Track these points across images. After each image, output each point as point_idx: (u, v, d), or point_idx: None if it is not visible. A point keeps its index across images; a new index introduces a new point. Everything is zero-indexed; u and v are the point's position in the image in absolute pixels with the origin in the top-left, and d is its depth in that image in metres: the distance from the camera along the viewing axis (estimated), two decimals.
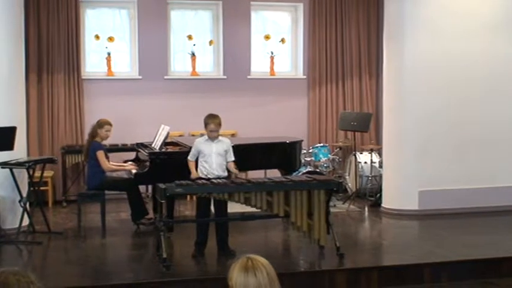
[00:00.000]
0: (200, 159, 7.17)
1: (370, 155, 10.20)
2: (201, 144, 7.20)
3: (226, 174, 7.19)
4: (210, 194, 6.80)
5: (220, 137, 7.22)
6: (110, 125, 8.36)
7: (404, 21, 9.07)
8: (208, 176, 7.05)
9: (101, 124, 8.33)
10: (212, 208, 7.14)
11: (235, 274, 2.88)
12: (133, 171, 8.15)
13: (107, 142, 8.72)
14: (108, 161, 8.37)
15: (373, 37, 11.38)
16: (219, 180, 6.87)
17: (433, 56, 9.01)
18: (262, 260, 2.95)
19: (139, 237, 8.17)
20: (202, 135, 7.74)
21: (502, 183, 9.32)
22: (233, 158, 7.24)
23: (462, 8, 9.12)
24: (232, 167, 7.21)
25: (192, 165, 7.23)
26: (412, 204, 9.07)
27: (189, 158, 7.30)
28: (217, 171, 7.11)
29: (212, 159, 7.10)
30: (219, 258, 6.79)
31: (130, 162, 8.62)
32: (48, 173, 9.48)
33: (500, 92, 9.31)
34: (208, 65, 11.23)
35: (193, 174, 7.14)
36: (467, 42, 9.11)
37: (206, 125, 7.14)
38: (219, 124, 7.14)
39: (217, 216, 7.16)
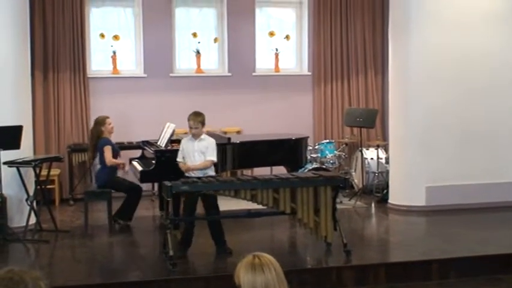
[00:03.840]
0: (185, 158, 7.14)
1: (376, 151, 10.17)
2: (185, 143, 7.16)
3: (211, 173, 7.10)
4: (216, 192, 6.79)
5: (203, 136, 7.11)
6: (108, 117, 8.46)
7: (410, 16, 9.03)
8: (191, 174, 7.00)
9: (101, 122, 8.39)
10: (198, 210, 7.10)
11: (243, 272, 2.88)
12: (139, 168, 8.15)
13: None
14: (119, 157, 8.40)
15: (378, 32, 11.34)
16: (209, 178, 6.82)
17: (440, 50, 8.96)
18: (269, 257, 2.94)
19: (146, 235, 8.17)
20: (208, 132, 7.71)
21: (508, 179, 9.27)
22: (213, 158, 7.08)
23: (471, 2, 9.07)
24: (202, 163, 7.04)
25: (182, 167, 7.14)
26: (419, 200, 9.04)
27: (177, 159, 7.24)
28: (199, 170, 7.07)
29: (194, 158, 7.04)
30: (225, 256, 6.79)
31: (136, 160, 8.62)
32: (54, 172, 9.50)
33: (508, 85, 9.25)
34: (213, 62, 11.22)
35: (186, 167, 7.06)
36: (475, 36, 9.05)
37: (188, 121, 7.09)
38: (201, 122, 7.02)
39: (207, 214, 7.07)
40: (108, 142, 8.28)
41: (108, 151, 8.20)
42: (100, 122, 8.40)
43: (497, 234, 7.83)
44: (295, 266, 6.60)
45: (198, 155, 7.05)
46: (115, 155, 8.35)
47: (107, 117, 8.45)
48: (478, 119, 9.15)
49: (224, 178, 7.31)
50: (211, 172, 7.12)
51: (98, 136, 8.35)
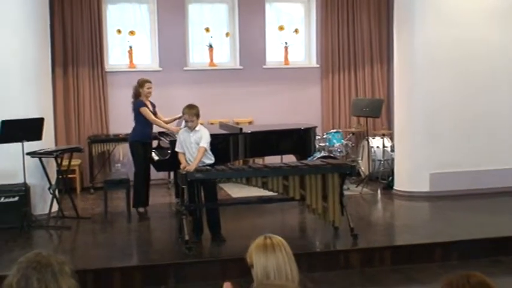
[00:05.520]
0: (184, 149, 7.12)
1: (382, 139, 10.17)
2: (181, 134, 7.14)
3: (211, 161, 7.02)
4: (229, 179, 6.85)
5: (198, 127, 7.03)
6: (150, 82, 8.35)
7: (415, 9, 9.00)
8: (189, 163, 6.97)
9: (141, 83, 8.29)
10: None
11: (255, 252, 2.91)
12: (156, 158, 8.17)
13: None
14: (156, 116, 8.35)
15: (383, 25, 11.31)
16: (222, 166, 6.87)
17: (443, 42, 8.93)
18: (280, 238, 2.99)
19: (163, 221, 8.21)
20: (221, 123, 7.73)
21: (508, 166, 9.25)
22: (204, 144, 6.89)
23: None
24: (199, 155, 6.88)
25: (181, 157, 7.07)
26: (423, 186, 9.05)
27: (176, 149, 7.19)
28: (190, 160, 7.00)
29: (192, 150, 7.01)
30: (238, 239, 6.77)
31: (153, 150, 8.66)
32: (75, 162, 9.55)
33: (505, 79, 9.23)
34: (225, 56, 11.24)
35: (183, 164, 6.93)
36: (478, 29, 9.01)
37: (183, 114, 7.10)
38: (195, 115, 6.97)
39: (207, 202, 7.07)
40: (142, 104, 8.18)
41: (145, 112, 8.15)
42: (140, 84, 8.30)
43: (498, 218, 7.84)
44: (304, 249, 6.62)
45: (195, 146, 6.98)
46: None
47: (147, 81, 8.33)
48: (479, 108, 9.12)
49: (236, 166, 7.34)
50: (208, 160, 7.01)
51: (136, 96, 8.29)
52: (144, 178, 8.28)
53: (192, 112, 6.98)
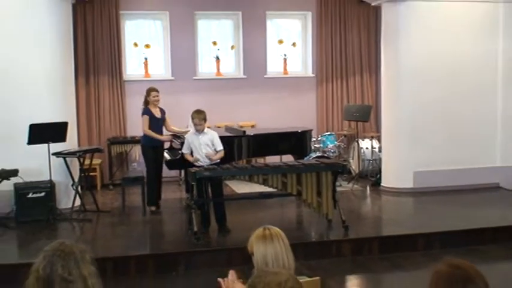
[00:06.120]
0: (193, 151, 7.11)
1: (370, 141, 10.16)
2: (190, 137, 7.13)
3: (217, 160, 7.04)
4: (234, 177, 6.85)
5: (206, 130, 7.07)
6: (156, 91, 8.16)
7: (400, 25, 9.00)
8: (199, 163, 6.97)
9: (148, 92, 8.15)
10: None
11: (255, 241, 2.91)
12: (168, 158, 8.15)
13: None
14: (167, 124, 8.24)
15: (372, 39, 11.30)
16: (227, 165, 6.87)
17: (425, 54, 8.93)
18: (277, 229, 2.98)
19: (174, 215, 8.18)
20: (226, 126, 7.71)
21: (484, 164, 9.26)
22: (221, 147, 7.03)
23: (451, 14, 9.02)
24: (212, 155, 6.99)
25: (187, 156, 7.12)
26: (407, 183, 9.03)
27: (183, 151, 7.20)
28: (205, 160, 7.02)
29: (201, 151, 7.01)
30: (242, 230, 6.75)
31: (166, 151, 8.65)
32: (96, 161, 9.54)
33: (482, 86, 9.21)
34: (231, 66, 11.23)
35: (194, 158, 7.01)
36: (455, 44, 9.02)
37: (192, 119, 7.06)
38: (204, 119, 6.98)
39: (214, 197, 7.07)
40: (146, 112, 8.05)
41: (144, 121, 8.03)
42: (147, 92, 8.15)
43: (475, 211, 7.82)
44: (301, 239, 6.63)
45: (204, 147, 7.00)
46: (155, 125, 8.08)
47: (154, 90, 8.14)
48: (458, 113, 9.11)
49: (240, 165, 7.33)
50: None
51: (144, 103, 8.15)
52: (154, 179, 8.17)
53: (200, 117, 6.98)
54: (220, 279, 2.93)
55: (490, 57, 9.20)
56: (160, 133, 8.15)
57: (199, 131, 7.01)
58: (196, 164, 6.97)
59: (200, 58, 11.03)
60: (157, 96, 8.14)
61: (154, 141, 8.09)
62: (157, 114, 8.15)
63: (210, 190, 7.05)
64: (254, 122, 10.91)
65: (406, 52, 8.97)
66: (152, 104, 8.12)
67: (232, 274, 2.93)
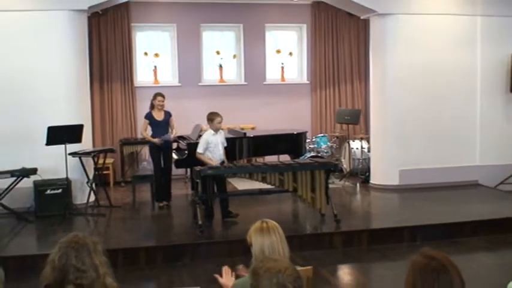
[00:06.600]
0: (212, 150, 7.11)
1: (360, 142, 10.15)
2: (210, 137, 7.12)
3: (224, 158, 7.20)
4: (235, 175, 6.85)
5: (220, 130, 7.21)
6: (162, 96, 8.07)
7: (387, 38, 8.99)
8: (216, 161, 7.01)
9: (154, 96, 8.08)
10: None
11: (253, 233, 2.92)
12: (175, 157, 8.13)
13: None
14: (173, 127, 8.12)
15: (361, 50, 11.30)
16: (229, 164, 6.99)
17: (409, 63, 8.93)
18: (274, 222, 2.99)
19: (180, 209, 8.16)
20: (229, 129, 7.71)
21: (464, 163, 9.25)
22: (225, 145, 7.29)
23: (433, 27, 9.01)
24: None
25: (204, 158, 7.03)
26: (393, 180, 9.03)
27: (199, 151, 7.09)
28: (220, 157, 7.09)
29: (218, 148, 7.07)
30: (243, 224, 6.78)
31: (173, 151, 8.62)
32: (109, 160, 9.54)
33: (462, 92, 9.21)
34: (233, 74, 11.22)
35: (215, 162, 6.98)
36: (437, 54, 9.02)
37: (213, 120, 7.04)
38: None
39: (219, 192, 7.12)
40: (147, 116, 8.02)
41: (143, 124, 8.06)
42: (154, 96, 8.07)
43: (455, 207, 7.80)
44: (296, 232, 6.63)
45: (221, 145, 7.13)
46: (156, 128, 8.01)
47: (159, 95, 8.03)
48: (440, 116, 9.11)
49: (241, 164, 7.35)
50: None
51: (150, 107, 8.08)
52: (160, 177, 8.09)
53: (221, 117, 7.14)
54: (217, 275, 2.98)
55: (469, 66, 9.20)
56: (162, 134, 8.04)
57: (217, 130, 7.07)
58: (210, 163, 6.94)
59: (205, 66, 11.03)
60: (162, 101, 8.08)
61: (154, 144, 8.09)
62: (160, 117, 8.09)
63: (215, 187, 7.08)
64: (254, 124, 10.90)
65: (392, 62, 8.96)
66: (156, 108, 8.08)
67: (226, 271, 3.02)
